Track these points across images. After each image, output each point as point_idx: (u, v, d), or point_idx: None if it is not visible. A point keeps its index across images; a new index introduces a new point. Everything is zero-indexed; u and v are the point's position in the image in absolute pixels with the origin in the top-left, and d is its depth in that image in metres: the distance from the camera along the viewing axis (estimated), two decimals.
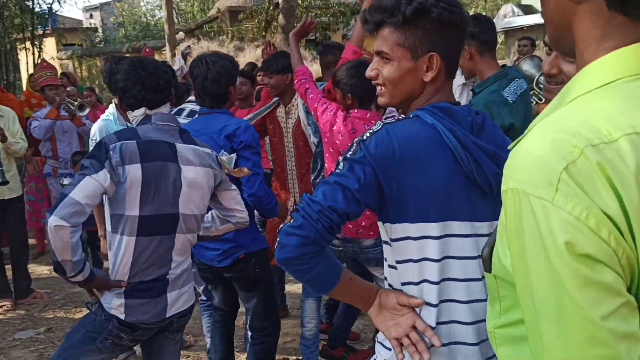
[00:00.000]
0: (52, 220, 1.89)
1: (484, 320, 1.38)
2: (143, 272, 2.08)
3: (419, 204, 1.32)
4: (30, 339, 4.03)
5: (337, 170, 1.33)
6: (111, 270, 2.11)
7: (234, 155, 2.30)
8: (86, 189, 1.94)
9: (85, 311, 4.38)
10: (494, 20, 3.04)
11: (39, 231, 5.80)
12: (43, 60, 6.90)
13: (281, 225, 1.33)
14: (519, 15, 14.66)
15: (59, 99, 4.94)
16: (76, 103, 4.87)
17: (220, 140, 2.57)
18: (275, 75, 3.47)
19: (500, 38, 13.68)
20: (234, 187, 2.33)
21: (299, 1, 12.73)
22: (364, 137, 1.34)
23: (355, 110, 2.82)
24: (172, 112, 2.99)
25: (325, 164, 2.97)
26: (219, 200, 2.31)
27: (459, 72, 3.34)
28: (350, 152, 1.34)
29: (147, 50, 5.77)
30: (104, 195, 2.04)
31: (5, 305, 4.56)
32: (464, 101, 3.42)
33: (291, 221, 1.30)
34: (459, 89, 3.55)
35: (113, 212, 2.06)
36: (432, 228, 1.33)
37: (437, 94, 1.40)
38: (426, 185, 1.31)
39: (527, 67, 3.59)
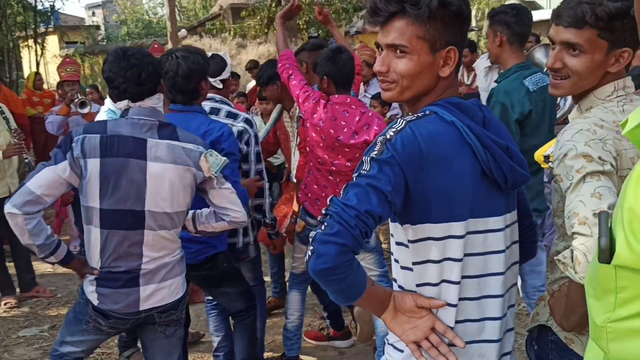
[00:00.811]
0: (6, 208, 2.01)
1: (492, 318, 1.37)
2: (111, 263, 2.13)
3: (443, 203, 1.28)
4: (34, 336, 4.03)
5: (364, 172, 1.26)
6: (87, 258, 2.19)
7: (224, 159, 2.21)
8: (43, 179, 2.03)
9: None
10: None
11: None
12: (67, 56, 6.96)
13: (313, 233, 1.24)
14: None
15: (69, 96, 5.01)
16: (76, 100, 4.90)
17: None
18: (266, 87, 3.54)
19: None
20: (226, 185, 2.27)
21: None
22: (388, 136, 1.27)
23: (336, 96, 2.85)
24: None
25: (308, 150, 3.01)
26: (209, 198, 2.28)
27: (484, 55, 3.34)
28: (376, 152, 1.27)
29: (156, 46, 5.69)
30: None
31: (9, 302, 4.55)
32: (488, 84, 3.43)
33: (323, 227, 1.22)
34: (484, 71, 3.54)
35: (82, 203, 2.14)
36: (457, 227, 1.29)
37: (448, 89, 1.35)
38: (451, 184, 1.27)
39: (539, 55, 3.52)
